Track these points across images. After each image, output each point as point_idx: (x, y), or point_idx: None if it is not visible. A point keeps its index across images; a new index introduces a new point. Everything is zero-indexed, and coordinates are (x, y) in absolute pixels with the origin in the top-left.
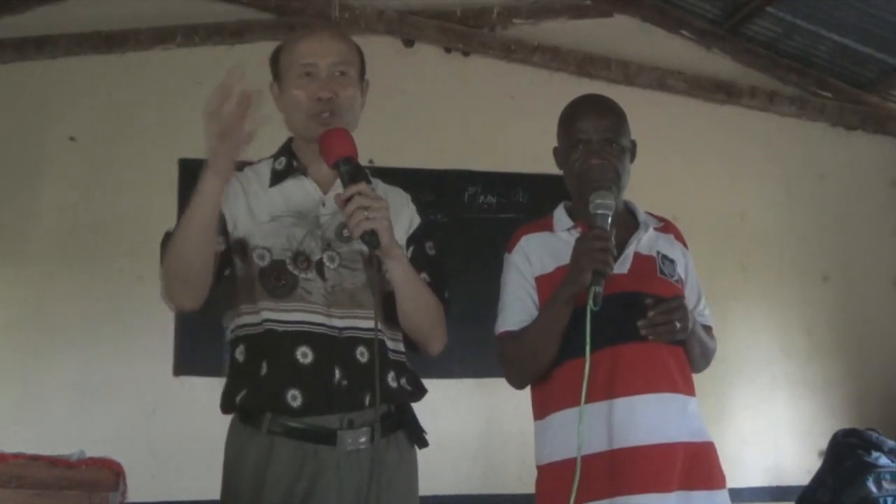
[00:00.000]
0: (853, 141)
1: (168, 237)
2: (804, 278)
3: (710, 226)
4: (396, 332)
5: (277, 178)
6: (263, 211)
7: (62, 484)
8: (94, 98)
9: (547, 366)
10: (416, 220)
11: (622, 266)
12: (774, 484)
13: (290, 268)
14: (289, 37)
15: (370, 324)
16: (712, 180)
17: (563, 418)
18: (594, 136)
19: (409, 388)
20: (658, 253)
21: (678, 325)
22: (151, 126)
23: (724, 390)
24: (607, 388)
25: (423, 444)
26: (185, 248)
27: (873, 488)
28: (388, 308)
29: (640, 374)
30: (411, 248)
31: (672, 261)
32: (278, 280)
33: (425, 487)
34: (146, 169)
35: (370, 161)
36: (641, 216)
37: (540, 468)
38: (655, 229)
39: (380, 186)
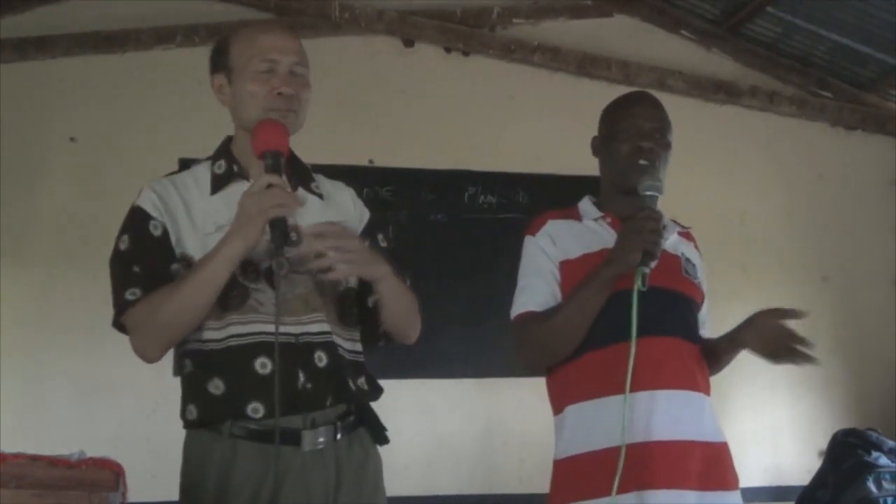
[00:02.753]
0: (853, 141)
1: (122, 283)
2: (804, 278)
3: (710, 226)
4: (352, 331)
5: (219, 183)
6: (207, 221)
7: (62, 484)
8: (94, 98)
9: (572, 349)
10: (366, 215)
11: None
12: (774, 484)
13: (240, 279)
14: (239, 29)
15: (322, 327)
16: (712, 180)
17: (579, 411)
18: (646, 124)
19: (366, 387)
20: (682, 254)
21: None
22: (151, 126)
23: (724, 390)
24: (626, 382)
25: (385, 441)
26: (194, 309)
27: (873, 488)
28: (341, 309)
29: (662, 370)
30: (366, 243)
31: (694, 265)
32: (230, 291)
33: (426, 487)
34: (146, 169)
35: (370, 161)
36: (666, 219)
37: (555, 463)
38: (679, 233)
39: (324, 182)
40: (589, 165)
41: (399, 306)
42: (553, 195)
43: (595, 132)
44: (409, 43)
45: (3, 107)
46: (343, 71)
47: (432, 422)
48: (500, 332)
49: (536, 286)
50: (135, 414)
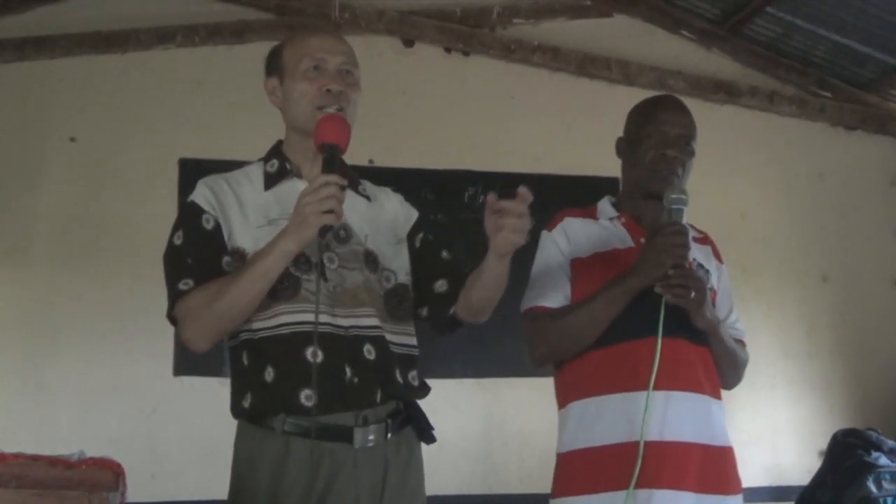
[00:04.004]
0: (853, 141)
1: (176, 275)
2: (804, 278)
3: (710, 226)
4: (404, 325)
5: (272, 180)
6: (259, 215)
7: (62, 484)
8: (94, 98)
9: (582, 349)
10: (414, 215)
11: None
12: (774, 484)
13: (292, 269)
14: (292, 34)
15: (373, 321)
16: (712, 180)
17: (582, 407)
18: (672, 131)
19: (415, 383)
20: (693, 260)
21: (693, 292)
22: (151, 126)
23: (724, 390)
24: (632, 381)
25: (431, 440)
26: (248, 302)
27: (873, 488)
28: (389, 304)
29: (664, 371)
30: (420, 236)
31: (706, 270)
32: (280, 282)
33: (425, 487)
34: (146, 169)
35: (370, 161)
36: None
37: (558, 456)
38: (694, 239)
39: (368, 187)
40: (589, 165)
41: (501, 285)
42: (553, 195)
43: (595, 132)
44: (409, 43)
45: (3, 107)
46: None
47: (432, 421)
48: (500, 332)
49: (548, 282)
50: (135, 414)
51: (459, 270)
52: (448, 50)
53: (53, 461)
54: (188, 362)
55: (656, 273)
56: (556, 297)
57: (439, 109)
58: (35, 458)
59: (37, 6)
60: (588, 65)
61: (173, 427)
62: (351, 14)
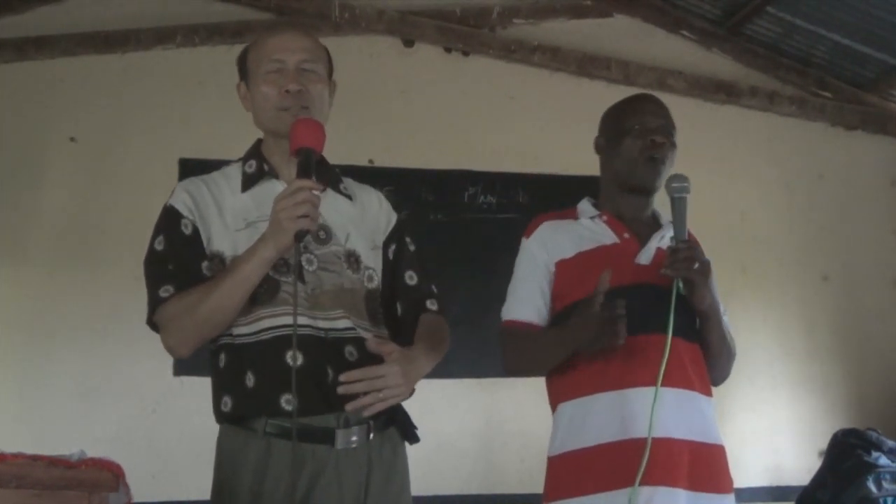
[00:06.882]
0: (853, 141)
1: (156, 281)
2: (804, 278)
3: (710, 226)
4: (381, 329)
5: (249, 182)
6: (237, 217)
7: (62, 484)
8: (94, 98)
9: (540, 374)
10: (393, 218)
11: (644, 258)
12: (774, 484)
13: (271, 273)
14: (255, 37)
15: (346, 323)
16: (712, 180)
17: (571, 409)
18: (654, 121)
19: None
20: None
21: (698, 264)
22: (151, 126)
23: (724, 390)
24: (622, 379)
25: (415, 439)
26: (229, 309)
27: (873, 488)
28: (371, 306)
29: (655, 367)
30: (392, 247)
31: None
32: (260, 286)
33: (425, 487)
34: (146, 169)
35: (370, 161)
36: (665, 219)
37: (549, 459)
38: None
39: (351, 185)
40: (589, 165)
41: (436, 361)
42: (553, 195)
43: (594, 132)
44: (409, 43)
45: (3, 107)
46: (343, 71)
47: (432, 422)
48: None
49: (522, 295)
50: (135, 414)
51: (419, 300)
52: (448, 50)
53: (53, 461)
54: (188, 362)
55: (599, 343)
56: (527, 311)
57: (439, 109)
58: (35, 458)
59: (37, 6)
60: (588, 65)
61: (173, 427)
62: (351, 14)
